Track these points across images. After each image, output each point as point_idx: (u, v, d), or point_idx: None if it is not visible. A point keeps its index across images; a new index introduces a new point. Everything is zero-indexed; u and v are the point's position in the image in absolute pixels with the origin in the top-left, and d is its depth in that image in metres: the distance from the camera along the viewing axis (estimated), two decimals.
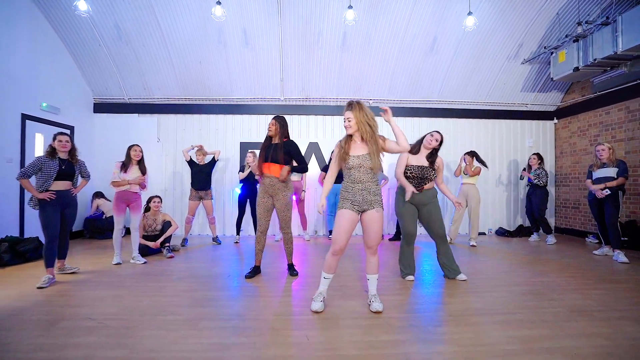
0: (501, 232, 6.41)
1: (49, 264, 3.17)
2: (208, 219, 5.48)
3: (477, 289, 3.07)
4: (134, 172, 3.99)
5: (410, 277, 3.34)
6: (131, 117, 6.24)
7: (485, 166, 5.43)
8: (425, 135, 3.41)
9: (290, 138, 3.50)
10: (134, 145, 4.05)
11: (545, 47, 5.40)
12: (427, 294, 2.92)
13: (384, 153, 2.51)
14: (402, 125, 6.41)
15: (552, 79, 5.42)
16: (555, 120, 6.73)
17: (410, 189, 3.17)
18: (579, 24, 4.75)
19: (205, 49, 5.60)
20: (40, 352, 1.90)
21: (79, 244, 5.30)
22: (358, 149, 2.46)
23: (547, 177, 5.65)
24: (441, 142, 3.36)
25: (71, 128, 5.62)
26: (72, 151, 3.52)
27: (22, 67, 4.73)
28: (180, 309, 2.56)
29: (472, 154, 5.43)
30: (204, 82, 6.02)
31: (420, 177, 3.24)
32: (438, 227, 3.30)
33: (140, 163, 4.07)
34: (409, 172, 3.25)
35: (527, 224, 6.62)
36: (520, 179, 6.16)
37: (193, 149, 5.47)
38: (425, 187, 3.29)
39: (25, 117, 4.75)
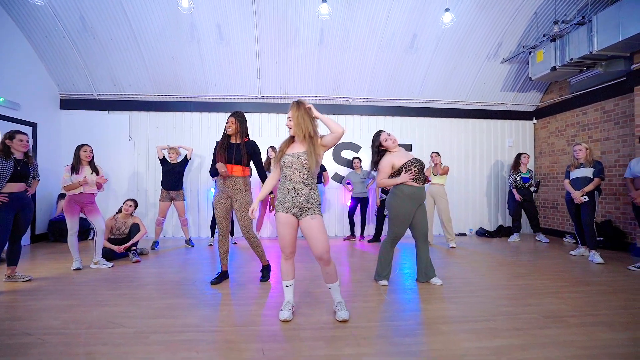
0: (481, 233, 6.39)
1: None
2: (180, 221, 5.26)
3: (453, 294, 2.97)
4: (85, 172, 3.74)
5: (384, 282, 3.22)
6: (101, 114, 5.94)
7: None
8: (379, 141, 3.20)
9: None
10: (83, 145, 3.80)
11: (523, 47, 5.39)
12: (400, 300, 2.80)
13: (326, 149, 2.37)
14: (382, 125, 6.32)
15: (530, 78, 5.41)
16: (535, 120, 6.76)
17: (407, 177, 3.05)
18: (556, 22, 4.74)
19: (178, 44, 5.36)
20: None
21: (42, 248, 5.00)
22: (295, 148, 2.35)
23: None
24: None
25: (34, 125, 5.30)
26: (28, 151, 3.29)
27: None
28: (133, 320, 2.36)
29: (438, 154, 5.39)
30: (178, 78, 5.77)
31: (423, 170, 3.13)
32: (426, 226, 3.20)
33: (91, 163, 3.82)
34: (413, 167, 3.07)
35: (508, 224, 6.64)
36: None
37: (168, 148, 5.23)
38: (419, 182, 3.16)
39: None
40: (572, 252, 4.62)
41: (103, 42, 5.29)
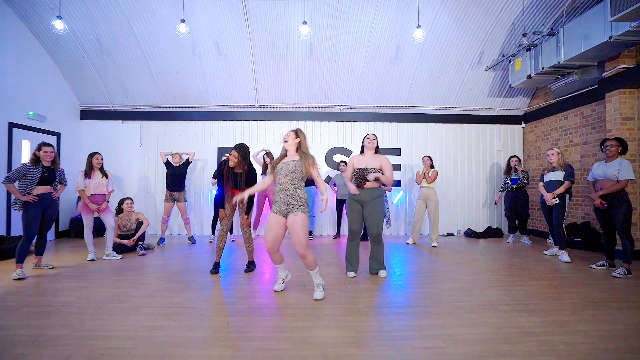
0: (469, 234, 6.65)
1: (20, 260, 3.52)
2: (183, 220, 5.82)
3: (408, 286, 3.35)
4: (97, 177, 4.34)
5: (351, 274, 3.63)
6: (115, 124, 6.62)
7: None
8: (364, 140, 3.79)
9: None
10: (95, 153, 4.41)
11: (503, 55, 5.65)
12: (356, 289, 3.21)
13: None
14: (372, 131, 6.70)
15: (510, 85, 5.66)
16: (523, 125, 6.96)
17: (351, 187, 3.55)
18: (525, 35, 5.01)
19: (181, 60, 5.96)
20: None
21: (64, 242, 5.68)
22: (289, 158, 2.89)
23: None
24: (377, 140, 3.76)
25: (57, 135, 6.01)
26: (55, 159, 3.90)
27: (10, 79, 5.12)
28: (131, 298, 2.88)
29: (430, 158, 5.73)
30: (182, 90, 6.37)
31: (362, 177, 3.55)
32: (374, 226, 3.56)
33: (102, 169, 4.42)
34: (353, 175, 3.60)
35: (496, 225, 6.87)
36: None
37: (171, 154, 5.82)
38: (366, 185, 3.57)
39: (12, 125, 5.13)
40: (546, 252, 4.87)
41: (116, 60, 5.95)
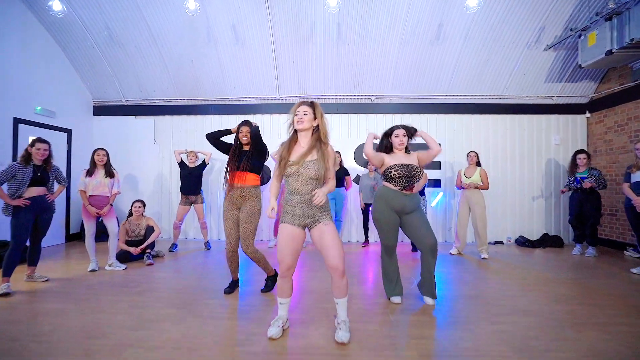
0: (522, 242, 5.69)
1: (7, 272, 3.06)
2: (200, 224, 5.28)
3: (472, 318, 2.56)
4: (99, 176, 3.84)
5: (397, 299, 2.88)
6: (129, 119, 6.21)
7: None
8: (389, 135, 2.90)
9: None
10: (97, 149, 3.91)
11: (571, 29, 4.67)
12: (406, 323, 2.47)
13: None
14: (408, 123, 5.88)
15: (580, 66, 4.67)
16: (588, 114, 5.88)
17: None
18: None
19: (196, 48, 5.41)
20: None
21: (74, 247, 5.30)
22: (299, 153, 2.12)
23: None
24: (407, 135, 2.89)
25: (68, 131, 5.65)
26: (48, 158, 3.43)
27: (15, 71, 4.77)
28: (117, 331, 2.30)
29: (476, 154, 4.86)
30: (198, 82, 5.84)
31: (409, 177, 2.77)
32: (429, 235, 2.76)
33: (107, 167, 3.90)
34: (394, 171, 2.76)
35: (553, 232, 5.87)
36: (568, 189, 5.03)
37: (186, 152, 5.31)
38: (414, 189, 2.82)
39: (17, 121, 4.78)
40: (634, 270, 3.89)
41: (128, 50, 5.50)
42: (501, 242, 5.84)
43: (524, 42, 5.16)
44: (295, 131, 2.19)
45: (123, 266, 3.95)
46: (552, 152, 5.93)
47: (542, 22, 4.93)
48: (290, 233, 2.10)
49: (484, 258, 4.62)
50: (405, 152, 2.89)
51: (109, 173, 3.90)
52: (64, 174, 4.27)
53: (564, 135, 5.95)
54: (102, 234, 5.52)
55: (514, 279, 3.62)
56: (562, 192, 5.10)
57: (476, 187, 4.74)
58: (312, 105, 2.16)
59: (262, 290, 3.16)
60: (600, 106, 5.65)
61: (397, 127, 2.88)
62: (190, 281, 3.51)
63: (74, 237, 5.83)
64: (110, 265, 3.91)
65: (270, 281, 3.21)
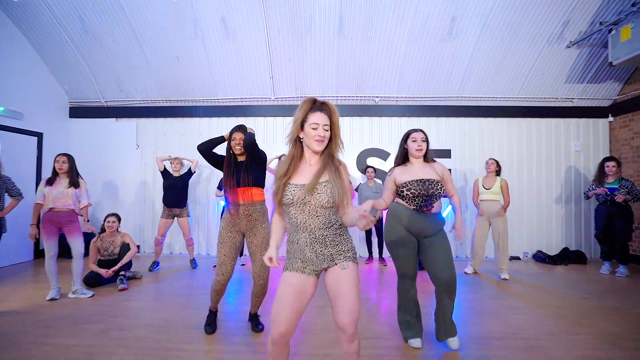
0: (540, 258, 5.18)
1: None
2: (185, 240, 4.72)
3: None
4: (61, 185, 3.28)
5: (416, 342, 2.33)
6: (109, 122, 5.64)
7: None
8: (405, 140, 2.39)
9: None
10: (58, 155, 3.34)
11: (600, 23, 4.20)
12: None
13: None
14: (416, 127, 5.38)
15: (610, 63, 4.20)
16: (611, 118, 5.41)
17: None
18: None
19: (182, 43, 4.88)
20: None
21: (42, 266, 4.69)
22: (305, 174, 1.55)
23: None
24: (427, 140, 2.36)
25: (39, 135, 5.08)
26: None
27: None
28: None
29: (495, 161, 4.36)
30: (184, 81, 5.30)
31: (426, 195, 2.25)
32: (446, 268, 2.23)
33: (71, 175, 3.33)
34: (406, 190, 2.26)
35: (574, 246, 5.37)
36: (589, 197, 4.58)
37: (170, 159, 4.75)
38: (433, 209, 2.30)
39: None
40: None
41: (105, 46, 4.95)
42: (517, 258, 5.34)
43: (545, 38, 4.69)
44: (300, 142, 1.59)
45: (90, 293, 3.37)
46: (572, 159, 5.45)
47: (567, 16, 4.46)
48: (296, 285, 1.49)
49: (504, 279, 4.10)
50: (424, 160, 2.37)
51: (74, 182, 3.33)
52: (32, 183, 3.71)
53: (585, 141, 5.47)
54: (67, 252, 4.96)
55: (547, 308, 3.09)
56: (588, 197, 4.58)
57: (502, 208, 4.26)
58: (329, 112, 1.54)
59: (255, 329, 2.59)
60: (626, 109, 5.18)
61: (415, 130, 2.36)
62: (169, 312, 2.95)
63: (42, 254, 5.22)
64: (74, 293, 3.33)
65: (257, 319, 2.65)
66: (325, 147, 1.57)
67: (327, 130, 1.53)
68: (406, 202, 2.27)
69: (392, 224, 2.33)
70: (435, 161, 2.40)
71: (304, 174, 1.54)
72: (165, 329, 2.63)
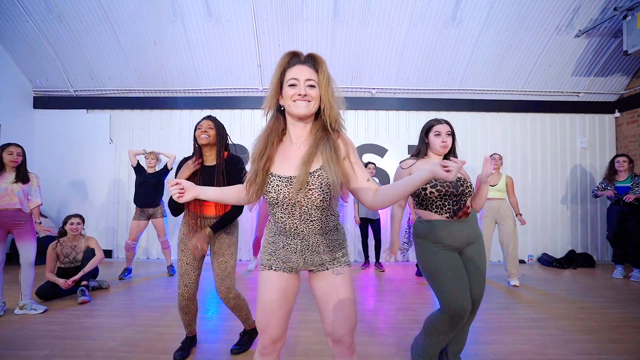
0: (546, 261, 4.88)
1: None
2: (160, 243, 4.23)
3: None
4: (6, 180, 2.78)
5: None
6: (79, 114, 5.10)
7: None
8: (426, 133, 1.91)
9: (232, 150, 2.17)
10: (8, 145, 2.84)
11: (615, 9, 3.91)
12: None
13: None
14: (413, 122, 5.03)
15: (625, 52, 3.91)
16: (617, 114, 5.16)
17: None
18: None
19: (159, 25, 4.40)
20: None
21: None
22: (292, 160, 1.16)
23: None
24: (453, 134, 1.90)
25: None
26: None
27: None
28: None
29: (501, 157, 4.03)
30: (163, 69, 4.81)
31: (456, 194, 1.81)
32: (478, 286, 1.81)
33: (20, 169, 2.84)
34: (436, 191, 1.76)
35: (580, 249, 5.09)
36: (598, 196, 4.29)
37: (144, 153, 4.25)
38: (469, 210, 1.87)
39: None
40: None
41: (72, 26, 4.43)
42: (522, 261, 5.02)
43: (554, 26, 4.39)
44: (283, 115, 1.21)
45: (42, 308, 2.86)
46: (577, 157, 5.18)
47: (577, 2, 4.16)
48: (280, 287, 1.18)
49: (514, 285, 3.75)
50: (448, 154, 1.95)
51: (22, 177, 2.83)
52: None
53: (591, 137, 5.21)
54: (38, 255, 4.41)
55: (569, 321, 2.74)
56: (597, 195, 4.28)
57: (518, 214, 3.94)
58: (314, 64, 1.15)
59: (234, 351, 2.16)
60: (633, 104, 4.93)
61: (439, 121, 1.89)
62: (135, 331, 2.47)
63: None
64: (21, 308, 2.81)
65: (248, 337, 2.22)
66: (317, 118, 1.18)
67: (312, 87, 1.12)
68: (434, 212, 1.81)
69: (426, 248, 1.79)
70: (457, 157, 1.96)
71: (290, 160, 1.15)
72: (126, 354, 2.16)
